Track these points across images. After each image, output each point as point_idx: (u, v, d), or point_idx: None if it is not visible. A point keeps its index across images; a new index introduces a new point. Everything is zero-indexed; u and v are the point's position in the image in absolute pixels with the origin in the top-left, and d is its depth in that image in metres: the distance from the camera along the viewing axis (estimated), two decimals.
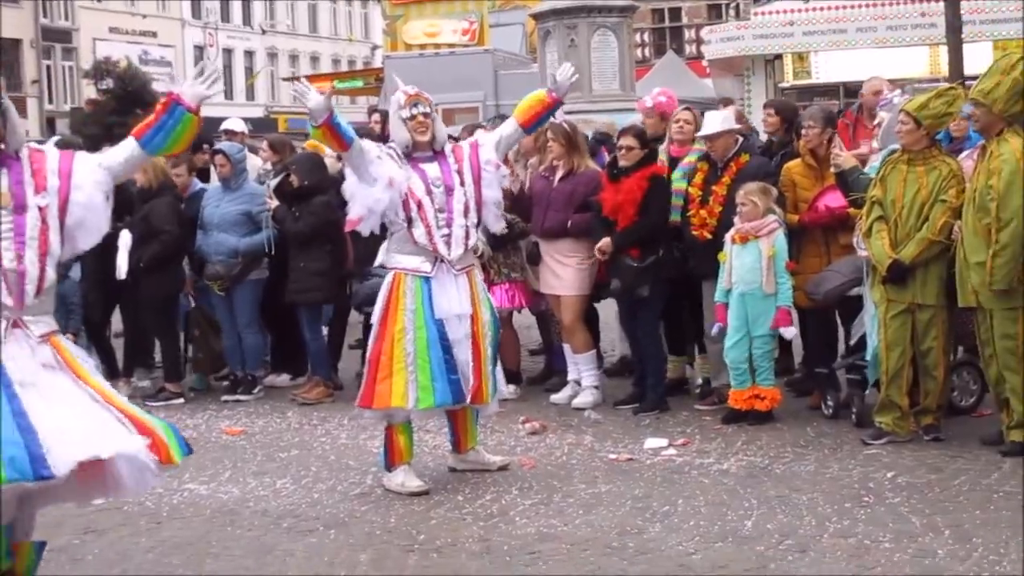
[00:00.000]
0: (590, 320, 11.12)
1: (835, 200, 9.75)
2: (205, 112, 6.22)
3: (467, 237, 8.40)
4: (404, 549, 7.06)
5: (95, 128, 41.00)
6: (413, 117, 8.40)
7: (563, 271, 10.51)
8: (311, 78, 55.42)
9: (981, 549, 6.59)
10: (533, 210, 10.69)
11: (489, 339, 8.44)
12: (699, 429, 9.63)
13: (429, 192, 8.29)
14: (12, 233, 5.70)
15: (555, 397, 10.84)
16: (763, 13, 33.35)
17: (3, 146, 5.80)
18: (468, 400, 8.32)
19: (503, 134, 8.67)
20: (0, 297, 5.62)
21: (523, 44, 40.13)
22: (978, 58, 22.79)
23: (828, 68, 32.57)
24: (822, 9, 31.77)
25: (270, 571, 6.80)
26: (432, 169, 8.37)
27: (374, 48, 70.45)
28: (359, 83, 47.44)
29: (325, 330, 12.21)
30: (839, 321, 10.17)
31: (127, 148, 6.06)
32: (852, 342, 9.68)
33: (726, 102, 13.05)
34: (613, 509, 7.66)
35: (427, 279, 8.27)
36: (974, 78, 8.94)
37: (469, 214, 8.41)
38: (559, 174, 10.58)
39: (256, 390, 11.74)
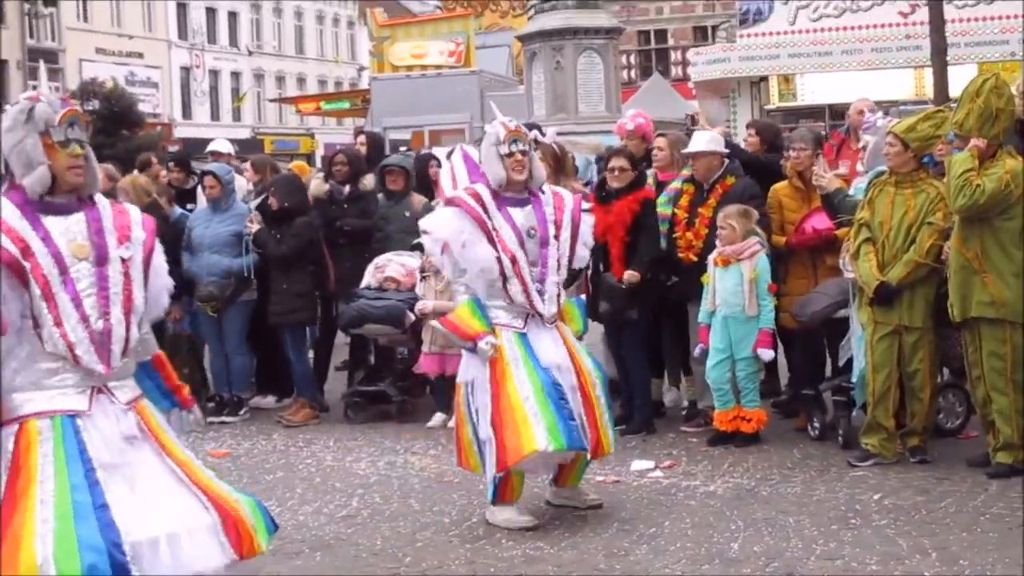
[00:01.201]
0: None
1: (821, 222, 9.77)
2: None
3: (559, 294, 7.98)
4: (390, 572, 7.05)
5: None
6: (511, 154, 7.86)
7: None
8: (297, 99, 55.66)
9: (968, 571, 6.60)
10: None
11: (599, 388, 7.99)
12: (686, 451, 9.63)
13: (522, 243, 7.82)
14: (95, 288, 5.25)
15: None
16: (749, 35, 33.43)
17: (81, 189, 5.39)
18: (588, 450, 7.85)
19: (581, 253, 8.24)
20: (85, 361, 5.18)
21: (510, 65, 40.22)
22: (964, 80, 22.86)
23: (814, 90, 32.67)
24: (808, 32, 31.90)
25: None
26: (524, 216, 7.88)
27: (361, 69, 70.52)
28: (346, 104, 47.50)
29: (311, 352, 12.19)
30: (826, 343, 10.17)
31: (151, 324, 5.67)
32: (840, 364, 9.67)
33: (693, 119, 13.05)
34: (599, 531, 7.64)
35: (523, 334, 7.83)
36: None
37: (561, 270, 7.99)
38: None
39: (242, 412, 11.72)
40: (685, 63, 42.17)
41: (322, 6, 74.13)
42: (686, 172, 10.39)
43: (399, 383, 11.56)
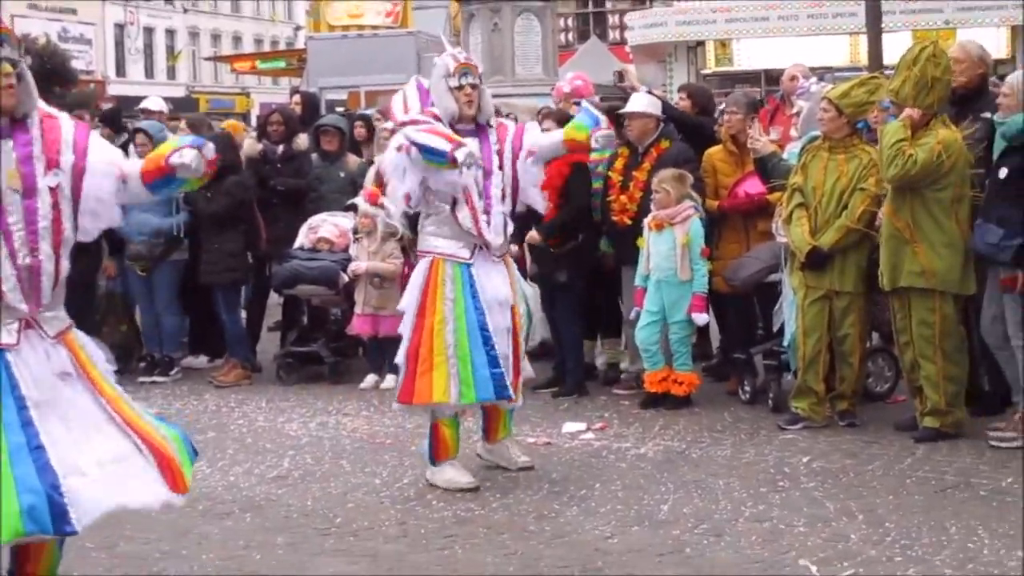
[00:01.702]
0: None
1: (754, 186, 9.81)
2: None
3: (505, 225, 7.84)
4: (321, 532, 7.03)
5: None
6: (461, 87, 7.71)
7: None
8: (233, 58, 55.15)
9: (894, 533, 6.65)
10: None
11: (523, 332, 8.07)
12: (617, 414, 9.66)
13: (463, 172, 7.61)
14: (23, 222, 5.01)
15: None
16: (686, 0, 33.47)
17: (14, 111, 5.12)
18: (511, 399, 7.82)
19: (546, 142, 8.06)
20: (9, 299, 4.99)
21: (447, 27, 40.01)
22: (898, 48, 22.98)
23: (750, 55, 32.80)
24: None
25: (185, 553, 6.74)
26: (473, 147, 7.59)
27: (297, 29, 70.00)
28: (282, 63, 47.15)
29: (243, 312, 12.13)
30: (757, 307, 10.22)
31: (135, 179, 5.36)
32: (773, 328, 9.72)
33: (621, 76, 12.96)
34: (530, 493, 7.66)
35: (466, 265, 7.69)
36: (893, 68, 9.02)
37: (506, 200, 7.84)
38: None
39: (173, 372, 11.64)
40: (623, 27, 42.21)
41: None
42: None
43: (332, 344, 11.53)
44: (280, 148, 12.15)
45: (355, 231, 11.14)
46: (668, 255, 9.56)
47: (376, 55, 29.73)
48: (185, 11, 67.45)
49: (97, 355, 5.35)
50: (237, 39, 70.66)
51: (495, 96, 11.32)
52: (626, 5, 55.22)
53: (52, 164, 5.10)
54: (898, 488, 7.50)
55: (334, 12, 42.17)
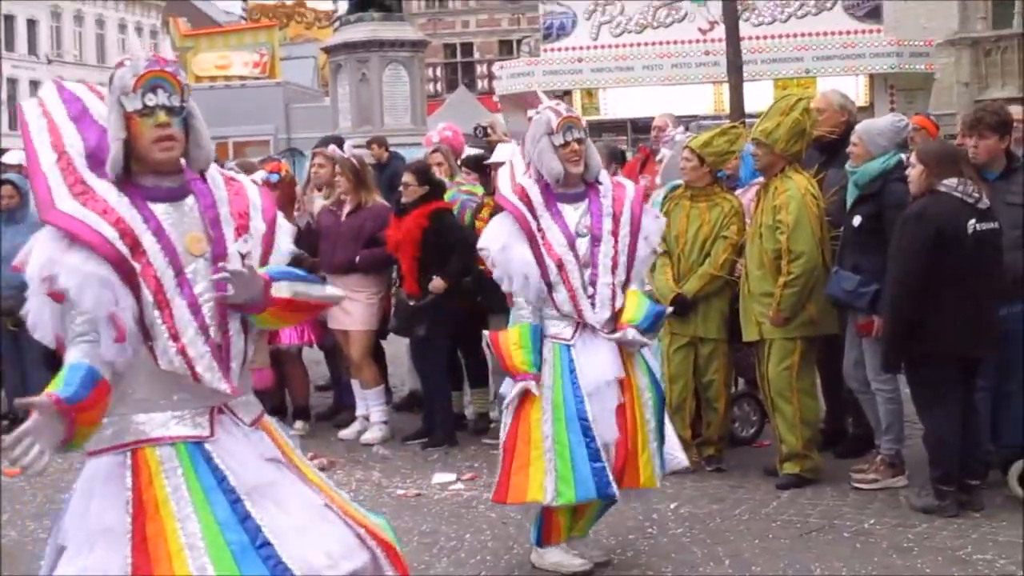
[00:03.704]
0: (378, 355, 11.10)
1: None
2: None
3: (613, 298, 6.83)
4: None
5: None
6: (567, 144, 6.83)
7: (351, 306, 10.41)
8: None
9: None
10: (321, 245, 10.61)
11: (650, 408, 6.90)
12: (487, 463, 9.65)
13: (572, 245, 6.80)
14: (212, 291, 4.26)
15: (343, 433, 10.77)
16: (553, 50, 33.78)
17: (183, 163, 4.37)
18: (615, 492, 6.75)
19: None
20: (207, 380, 4.23)
21: (315, 77, 40.02)
22: (760, 96, 23.42)
23: (616, 104, 33.16)
24: (610, 47, 32.39)
25: None
26: (578, 212, 6.87)
27: None
28: None
29: None
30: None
31: None
32: None
33: (486, 130, 13.05)
34: (400, 546, 7.61)
35: (567, 346, 6.83)
36: (755, 116, 9.20)
37: (617, 271, 6.86)
38: (347, 209, 10.53)
39: None
40: (491, 76, 42.50)
41: (124, 15, 72.94)
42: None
43: None
44: None
45: None
46: None
47: (244, 106, 29.70)
48: (50, 62, 66.69)
49: (295, 441, 4.69)
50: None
51: (360, 147, 11.40)
52: (493, 55, 55.75)
53: (242, 229, 4.40)
54: (764, 532, 7.60)
55: (201, 63, 41.93)
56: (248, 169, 11.51)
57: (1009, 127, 8.36)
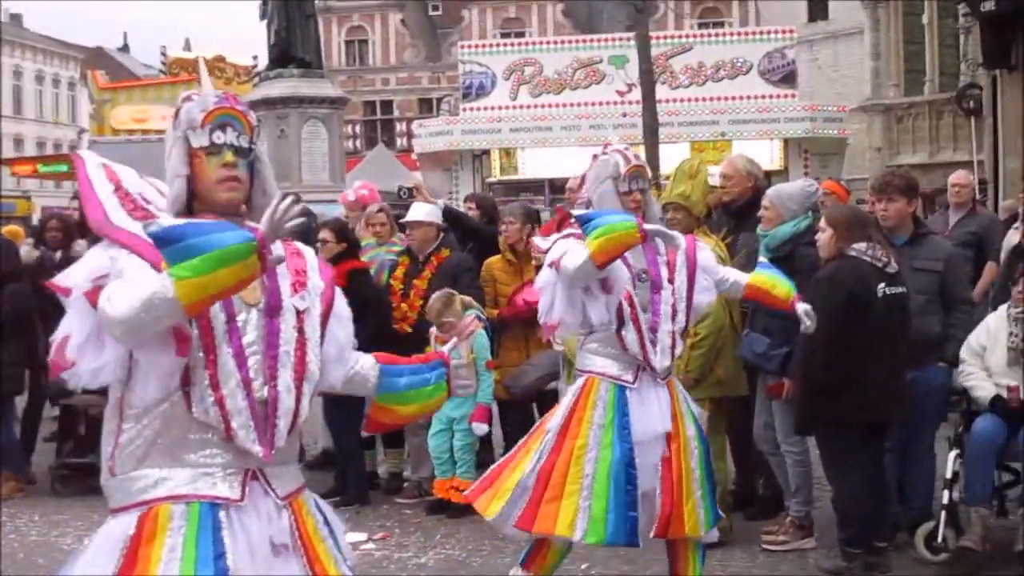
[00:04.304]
0: None
1: (533, 295, 9.90)
2: None
3: (673, 346, 6.76)
4: None
5: None
6: (630, 193, 6.71)
7: None
8: (13, 161, 54.01)
9: None
10: None
11: (696, 458, 6.77)
12: (399, 523, 9.64)
13: (634, 286, 6.70)
14: (262, 344, 3.97)
15: None
16: (472, 109, 33.93)
17: (245, 210, 4.12)
18: (652, 535, 6.70)
19: (724, 275, 7.12)
20: (240, 439, 3.92)
21: None
22: (676, 158, 23.61)
23: (534, 164, 33.32)
24: (528, 107, 32.58)
25: None
26: (634, 257, 6.68)
27: (81, 132, 69.04)
28: (64, 167, 46.35)
29: (17, 423, 11.82)
30: (537, 413, 10.31)
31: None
32: None
33: (411, 192, 13.07)
34: None
35: (623, 389, 6.67)
36: (668, 176, 9.30)
37: (677, 318, 6.78)
38: None
39: None
40: (410, 134, 42.60)
41: (42, 66, 72.47)
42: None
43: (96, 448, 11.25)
44: (59, 254, 11.95)
45: None
46: (455, 367, 9.56)
47: (161, 159, 29.38)
48: None
49: (336, 525, 4.35)
50: (18, 141, 69.45)
51: None
52: (413, 113, 55.90)
53: (298, 285, 4.13)
54: None
55: (118, 116, 41.75)
56: None
57: (916, 191, 8.53)
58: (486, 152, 33.57)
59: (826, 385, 7.58)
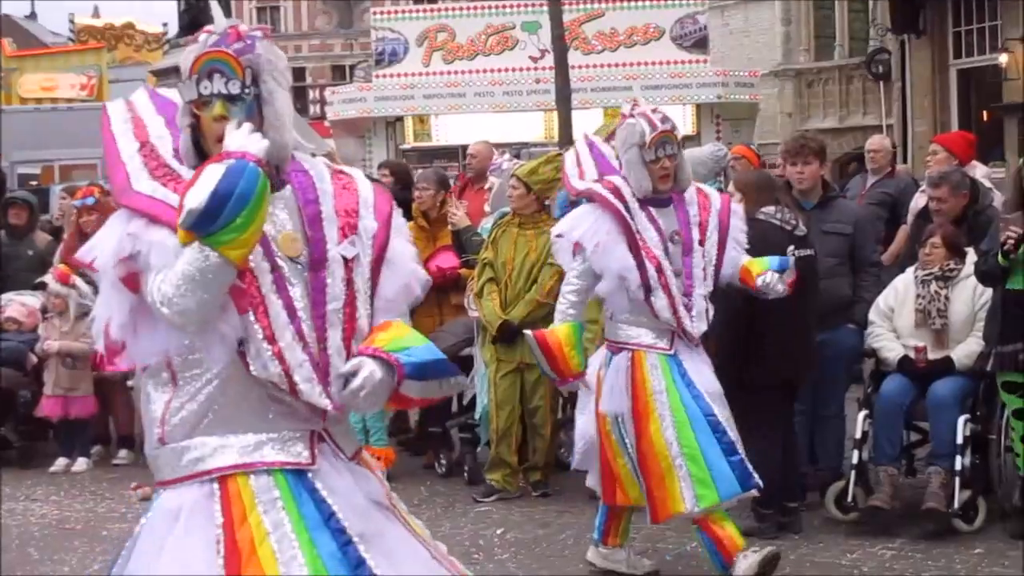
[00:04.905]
0: None
1: (447, 261, 9.95)
2: None
3: (707, 309, 6.68)
4: None
5: None
6: (658, 160, 6.54)
7: None
8: None
9: None
10: None
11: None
12: None
13: (666, 250, 6.59)
14: (308, 301, 3.65)
15: None
16: (385, 76, 33.75)
17: (282, 162, 3.76)
18: (759, 487, 6.75)
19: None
20: (306, 393, 3.62)
21: None
22: (590, 125, 23.63)
23: (448, 131, 33.17)
24: (442, 74, 32.47)
25: None
26: (666, 218, 6.62)
27: None
28: None
29: None
30: None
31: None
32: (464, 402, 9.85)
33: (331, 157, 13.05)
34: None
35: (671, 355, 6.61)
36: None
37: (708, 280, 6.68)
38: None
39: None
40: (323, 102, 42.32)
41: None
42: None
43: (20, 427, 11.18)
44: None
45: (45, 310, 10.88)
46: None
47: (71, 129, 29.06)
48: None
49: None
50: None
51: None
52: (326, 80, 55.57)
53: (348, 229, 3.76)
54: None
55: (26, 84, 41.10)
56: (75, 194, 11.36)
57: (825, 155, 8.62)
58: (399, 119, 33.37)
59: (736, 348, 7.65)
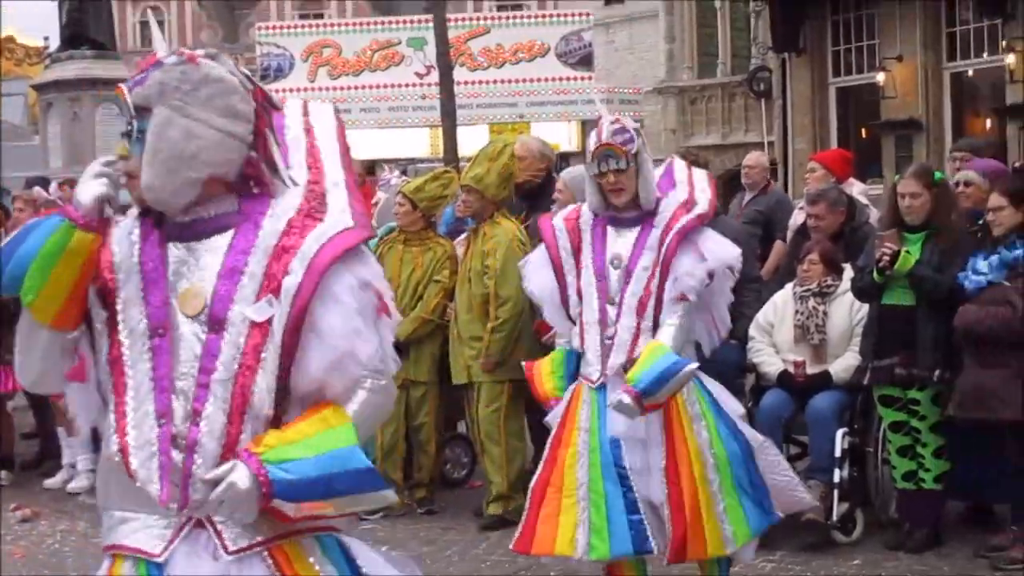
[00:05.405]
0: None
1: None
2: None
3: (633, 342, 5.90)
4: None
5: None
6: (603, 175, 5.97)
7: None
8: None
9: None
10: None
11: (711, 468, 5.92)
12: None
13: (602, 276, 6.01)
14: (196, 366, 3.22)
15: (49, 482, 10.49)
16: (271, 91, 33.66)
17: (256, 191, 3.38)
18: (665, 552, 5.90)
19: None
20: (141, 478, 3.24)
21: (25, 115, 38.96)
22: (475, 140, 23.73)
23: None
24: (328, 89, 32.36)
25: None
26: (622, 240, 6.02)
27: None
28: None
29: None
30: None
31: None
32: None
33: None
34: None
35: (599, 389, 6.00)
36: (468, 159, 9.35)
37: (646, 312, 5.92)
38: None
39: None
40: None
41: None
42: None
43: None
44: None
45: None
46: None
47: None
48: None
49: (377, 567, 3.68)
50: None
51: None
52: None
53: (269, 287, 3.25)
54: (474, 572, 7.72)
55: None
56: None
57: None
58: None
59: None
